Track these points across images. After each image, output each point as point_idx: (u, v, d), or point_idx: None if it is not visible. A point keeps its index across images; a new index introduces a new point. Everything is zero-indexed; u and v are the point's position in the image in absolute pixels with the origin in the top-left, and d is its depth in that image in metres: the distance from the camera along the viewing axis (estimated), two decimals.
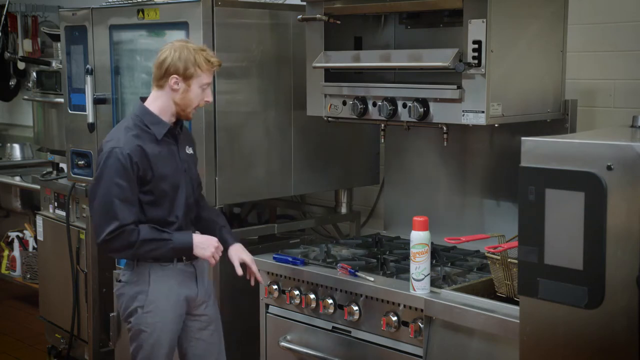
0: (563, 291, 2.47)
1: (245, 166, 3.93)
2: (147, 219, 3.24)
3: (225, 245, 3.44)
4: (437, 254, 3.60)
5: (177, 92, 3.22)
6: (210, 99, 3.30)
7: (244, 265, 3.43)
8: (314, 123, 3.92)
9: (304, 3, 3.74)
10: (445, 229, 3.70)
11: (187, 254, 3.29)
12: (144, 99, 3.32)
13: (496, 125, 3.28)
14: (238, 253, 3.44)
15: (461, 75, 3.21)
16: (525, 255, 2.55)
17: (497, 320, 2.90)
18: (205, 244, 3.28)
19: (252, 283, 3.50)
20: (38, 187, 5.49)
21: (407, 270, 3.26)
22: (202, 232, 3.46)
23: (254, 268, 3.47)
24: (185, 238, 3.27)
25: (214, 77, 3.39)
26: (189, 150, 3.40)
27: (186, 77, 3.19)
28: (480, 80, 3.17)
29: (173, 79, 3.19)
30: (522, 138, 2.55)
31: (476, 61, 3.15)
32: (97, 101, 4.30)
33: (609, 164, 2.36)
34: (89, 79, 4.30)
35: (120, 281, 3.38)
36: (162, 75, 3.21)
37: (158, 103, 3.27)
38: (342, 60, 3.67)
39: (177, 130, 3.32)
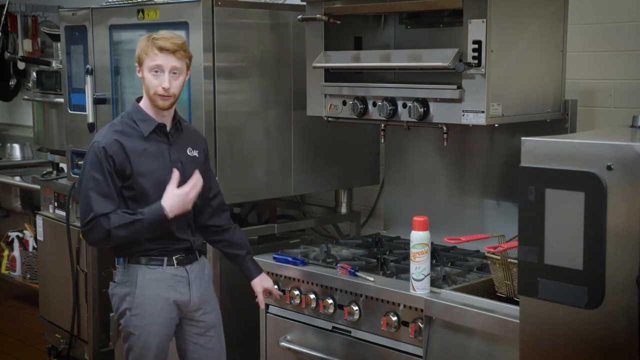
0: (563, 291, 2.47)
1: (245, 166, 3.93)
2: None
3: (250, 277, 3.50)
4: (437, 254, 3.60)
5: (143, 81, 3.26)
6: (165, 84, 3.19)
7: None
8: (314, 123, 3.92)
9: (304, 3, 3.74)
10: (445, 229, 3.70)
11: (166, 223, 3.21)
12: (139, 99, 3.33)
13: (496, 125, 3.28)
14: (262, 283, 3.51)
15: (461, 75, 3.21)
16: (525, 255, 2.55)
17: (497, 320, 2.90)
18: (178, 203, 3.20)
19: (277, 298, 3.60)
20: (38, 187, 5.49)
21: (407, 270, 3.26)
22: (227, 257, 3.55)
23: (275, 292, 3.57)
24: (156, 208, 3.20)
25: (190, 69, 3.31)
26: (192, 153, 3.37)
27: (140, 63, 3.24)
28: (480, 80, 3.17)
29: (137, 68, 3.26)
30: (522, 138, 2.55)
31: (476, 61, 3.15)
32: (97, 101, 4.30)
33: (609, 164, 2.36)
34: (89, 79, 4.30)
35: (114, 281, 3.39)
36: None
37: (144, 98, 3.30)
38: (342, 60, 3.67)
39: (171, 129, 3.31)
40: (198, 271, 3.38)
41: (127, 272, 3.31)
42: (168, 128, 3.31)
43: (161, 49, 3.18)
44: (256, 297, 3.52)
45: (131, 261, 3.30)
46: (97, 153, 3.19)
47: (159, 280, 3.28)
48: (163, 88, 3.19)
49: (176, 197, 3.21)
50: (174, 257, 3.30)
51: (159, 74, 3.20)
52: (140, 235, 3.23)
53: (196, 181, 3.24)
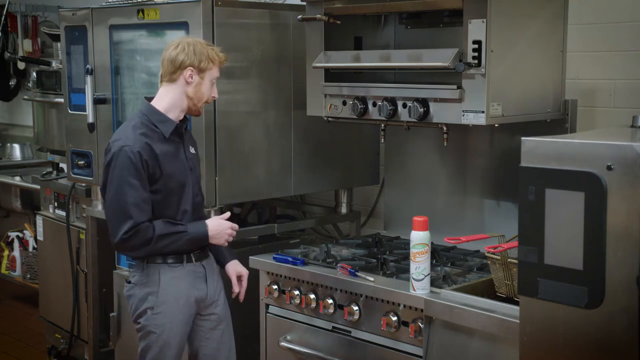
0: (563, 291, 2.47)
1: (245, 166, 3.93)
2: (155, 217, 3.24)
3: (224, 262, 3.51)
4: (437, 254, 3.60)
5: (191, 85, 3.26)
6: (216, 94, 3.37)
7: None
8: (314, 123, 3.92)
9: (304, 3, 3.74)
10: (445, 229, 3.70)
11: (203, 243, 3.32)
12: (149, 99, 3.33)
13: (496, 125, 3.28)
14: (236, 268, 3.51)
15: (461, 75, 3.21)
16: (525, 255, 2.55)
17: (497, 320, 2.90)
18: (219, 232, 3.32)
19: (241, 298, 3.55)
20: (38, 187, 5.49)
21: (407, 270, 3.26)
22: None
23: (245, 285, 3.54)
24: (200, 227, 3.30)
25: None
26: (193, 151, 3.42)
27: (201, 69, 3.25)
28: (480, 80, 3.17)
29: (188, 71, 3.23)
30: (522, 138, 2.55)
31: (476, 61, 3.15)
32: (97, 101, 4.30)
33: (609, 164, 2.36)
34: (89, 79, 4.30)
35: (130, 282, 3.38)
36: (177, 68, 3.25)
37: (168, 98, 3.29)
38: (342, 60, 3.67)
39: (183, 128, 3.35)
40: (211, 265, 3.44)
41: (147, 272, 3.31)
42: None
43: (222, 61, 3.32)
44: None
45: (149, 261, 3.30)
46: (132, 158, 3.16)
47: (181, 277, 3.31)
48: (213, 97, 3.35)
49: (220, 224, 3.32)
50: (192, 254, 3.34)
51: (214, 84, 3.31)
52: (177, 247, 3.26)
53: (233, 226, 3.36)
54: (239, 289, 3.51)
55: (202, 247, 3.38)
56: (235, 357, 3.56)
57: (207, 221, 3.33)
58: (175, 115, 3.30)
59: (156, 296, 3.28)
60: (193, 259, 3.33)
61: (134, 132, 3.22)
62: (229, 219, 3.39)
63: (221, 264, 3.51)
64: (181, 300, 3.31)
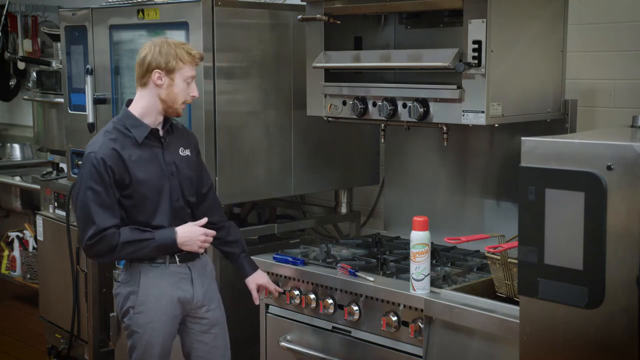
0: (563, 291, 2.47)
1: (245, 166, 3.93)
2: (130, 222, 3.22)
3: (245, 274, 3.50)
4: (437, 254, 3.60)
5: (162, 88, 3.19)
6: (196, 93, 3.26)
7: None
8: (314, 123, 3.92)
9: (304, 3, 3.74)
10: (445, 229, 3.70)
11: (172, 250, 3.27)
12: (130, 102, 3.30)
13: (496, 125, 3.28)
14: (256, 280, 3.52)
15: (461, 75, 3.21)
16: (525, 255, 2.55)
17: (497, 320, 2.90)
18: (190, 240, 3.26)
19: (275, 295, 3.60)
20: (38, 187, 5.49)
21: (407, 270, 3.26)
22: (223, 255, 3.55)
23: (271, 286, 3.56)
24: (168, 234, 3.24)
25: (201, 73, 3.40)
26: (184, 152, 3.36)
27: (169, 70, 3.17)
28: (480, 80, 3.17)
29: (156, 73, 3.17)
30: (522, 138, 2.55)
31: (476, 61, 3.15)
32: (97, 101, 4.30)
33: (609, 164, 2.36)
34: (89, 79, 4.30)
35: (117, 281, 3.40)
36: (145, 72, 3.19)
37: (142, 102, 3.24)
38: (342, 60, 3.67)
39: (163, 132, 3.29)
40: (200, 268, 3.39)
41: (130, 271, 3.31)
42: (161, 132, 3.29)
43: (200, 59, 3.24)
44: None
45: (133, 260, 3.29)
46: (95, 164, 3.14)
47: (162, 277, 3.29)
48: (192, 97, 3.24)
49: (192, 231, 3.27)
50: (175, 255, 3.30)
51: (190, 83, 3.22)
52: (143, 254, 3.23)
53: (207, 232, 3.31)
54: (258, 301, 3.54)
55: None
56: None
57: (178, 228, 3.26)
58: (151, 119, 3.24)
59: (137, 295, 3.28)
60: (177, 259, 3.31)
61: (104, 138, 3.20)
62: (205, 226, 3.34)
63: (243, 276, 3.52)
64: (162, 300, 3.28)
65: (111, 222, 3.16)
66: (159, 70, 3.16)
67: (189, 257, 3.34)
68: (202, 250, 3.33)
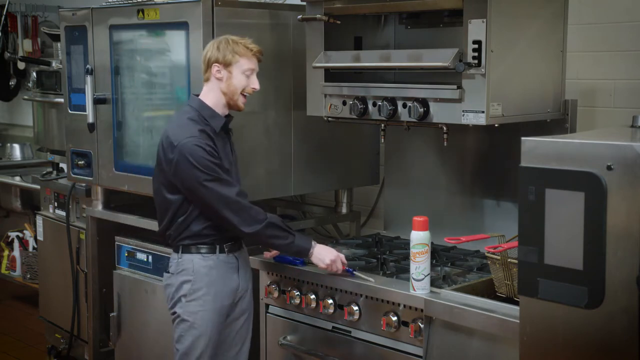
0: (563, 291, 2.47)
1: (245, 166, 3.92)
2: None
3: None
4: (437, 254, 3.60)
5: (222, 81, 3.34)
6: (256, 85, 3.40)
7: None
8: (314, 123, 3.92)
9: (304, 3, 3.74)
10: (445, 229, 3.70)
11: (302, 256, 3.45)
12: (197, 95, 3.42)
13: (496, 125, 3.28)
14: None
15: (461, 75, 3.21)
16: (525, 255, 2.55)
17: (497, 320, 2.90)
18: (323, 255, 3.37)
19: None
20: (38, 187, 5.49)
21: (407, 270, 3.26)
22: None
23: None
24: (306, 240, 3.39)
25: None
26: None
27: (226, 63, 3.32)
28: (480, 80, 3.17)
29: (215, 67, 3.33)
30: (522, 138, 2.55)
31: (476, 61, 3.15)
32: (97, 101, 4.30)
33: (609, 164, 2.36)
34: (89, 79, 4.30)
35: (168, 272, 3.48)
36: (206, 68, 3.36)
37: (210, 96, 3.38)
38: (342, 60, 3.67)
39: (229, 124, 3.43)
40: (244, 258, 3.51)
41: (182, 261, 3.39)
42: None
43: (259, 53, 3.36)
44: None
45: (184, 251, 3.38)
46: (205, 147, 3.24)
47: (214, 267, 3.39)
48: (253, 89, 3.37)
49: (327, 251, 3.38)
50: (224, 245, 3.40)
51: (250, 76, 3.35)
52: (278, 242, 3.35)
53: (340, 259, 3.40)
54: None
55: (235, 239, 3.44)
56: (248, 352, 3.59)
57: (321, 245, 3.42)
58: (220, 111, 3.39)
59: (190, 284, 3.36)
60: (226, 250, 3.41)
61: (195, 126, 3.30)
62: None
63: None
64: (214, 289, 3.38)
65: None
66: (217, 64, 3.32)
67: (236, 247, 3.45)
68: (327, 269, 3.39)
